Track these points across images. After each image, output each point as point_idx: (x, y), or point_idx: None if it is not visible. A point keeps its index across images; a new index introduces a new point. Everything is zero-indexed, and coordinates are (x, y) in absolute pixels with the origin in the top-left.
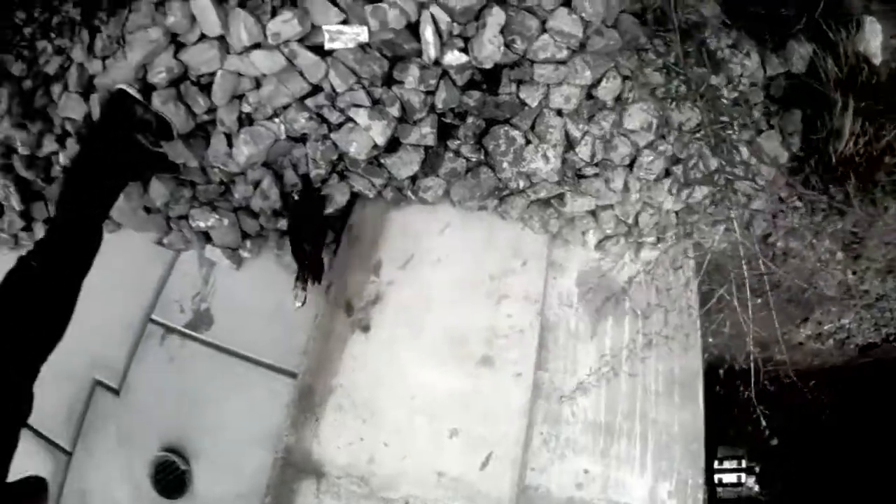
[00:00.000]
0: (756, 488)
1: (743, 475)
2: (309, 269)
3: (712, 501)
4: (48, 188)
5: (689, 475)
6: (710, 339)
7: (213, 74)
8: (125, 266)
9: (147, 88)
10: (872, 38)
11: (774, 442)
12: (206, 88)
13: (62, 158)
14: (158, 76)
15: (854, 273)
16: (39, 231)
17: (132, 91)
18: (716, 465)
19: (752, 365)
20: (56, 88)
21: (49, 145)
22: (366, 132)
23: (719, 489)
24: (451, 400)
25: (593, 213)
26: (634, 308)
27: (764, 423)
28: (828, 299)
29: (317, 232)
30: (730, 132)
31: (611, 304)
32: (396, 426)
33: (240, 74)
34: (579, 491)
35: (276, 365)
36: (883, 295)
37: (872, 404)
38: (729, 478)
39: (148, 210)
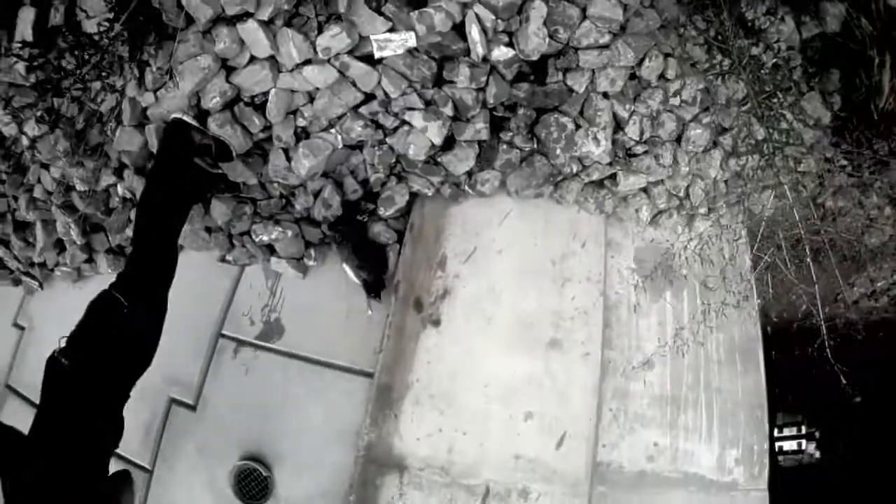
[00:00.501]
0: (817, 454)
1: (804, 442)
2: (370, 290)
3: (773, 470)
4: (108, 220)
5: (754, 441)
6: (767, 304)
7: (266, 94)
8: (191, 284)
9: (202, 114)
10: None
11: (858, 399)
12: (260, 108)
13: (120, 190)
14: (212, 101)
15: None
16: (102, 263)
17: (188, 118)
18: (775, 433)
19: (821, 322)
20: (110, 125)
21: (106, 179)
22: (422, 133)
23: (780, 457)
24: (523, 384)
25: (645, 190)
26: (692, 279)
27: (844, 380)
28: (879, 256)
29: (368, 256)
30: (775, 101)
31: (669, 278)
32: (473, 414)
33: (293, 91)
34: (650, 463)
35: (350, 366)
36: None
37: None
38: (789, 445)
39: (209, 230)
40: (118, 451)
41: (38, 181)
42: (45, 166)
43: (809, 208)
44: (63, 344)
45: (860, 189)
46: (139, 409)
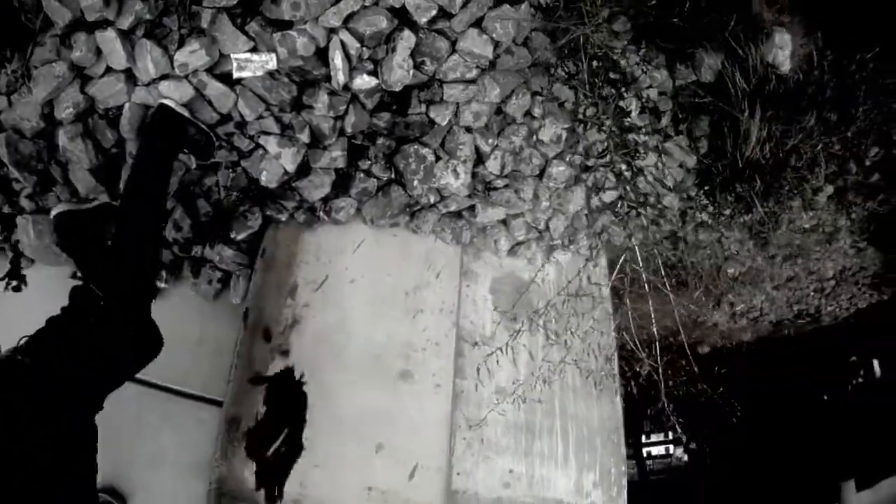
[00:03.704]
0: (685, 457)
1: (671, 446)
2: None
3: (643, 476)
4: None
5: (611, 464)
6: (624, 330)
7: (120, 108)
8: (44, 303)
9: (53, 123)
10: (782, 49)
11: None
12: (114, 122)
13: None
14: (65, 112)
15: (764, 259)
16: None
17: (175, 106)
18: (643, 439)
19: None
20: None
21: None
22: (276, 160)
23: (649, 462)
24: (374, 416)
25: (504, 222)
26: (548, 308)
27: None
28: (739, 283)
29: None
30: (636, 155)
31: (525, 307)
32: (324, 448)
33: (147, 106)
34: (506, 490)
35: (202, 395)
36: (793, 276)
37: (787, 379)
38: (657, 450)
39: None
40: None
41: None
42: None
43: (670, 241)
44: (23, 342)
45: (722, 225)
46: None
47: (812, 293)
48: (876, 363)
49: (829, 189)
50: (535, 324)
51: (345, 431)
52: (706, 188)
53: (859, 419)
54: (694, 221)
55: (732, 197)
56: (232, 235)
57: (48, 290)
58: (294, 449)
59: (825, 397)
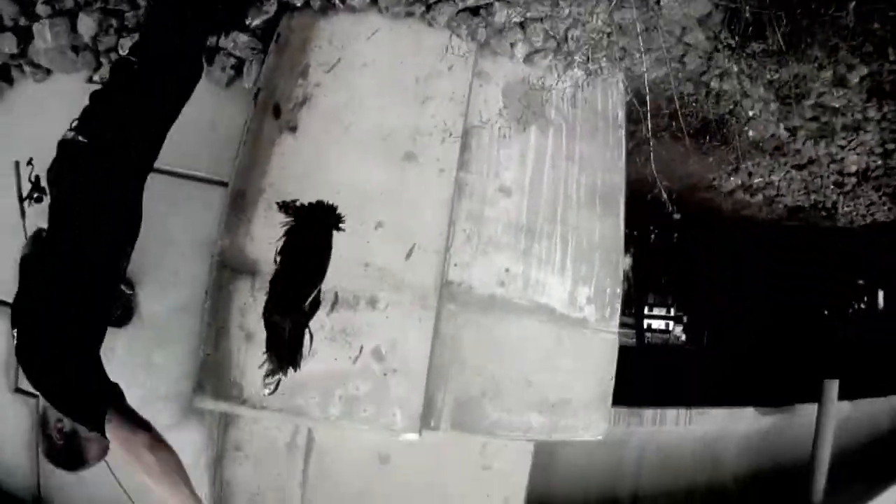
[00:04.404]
0: (683, 337)
1: (671, 323)
2: None
3: (640, 344)
4: None
5: (607, 284)
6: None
7: None
8: (59, 110)
9: None
10: None
11: (677, 216)
12: None
13: None
14: None
15: (787, 129)
16: None
17: None
18: (645, 310)
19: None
20: None
21: None
22: None
23: (648, 334)
24: (376, 194)
25: (522, 26)
26: (560, 121)
27: (665, 196)
28: (759, 150)
29: None
30: None
31: (536, 115)
32: None
33: None
34: (501, 288)
35: (210, 177)
36: (815, 159)
37: (797, 267)
38: (658, 324)
39: (76, 49)
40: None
41: None
42: None
43: (692, 83)
44: (75, 124)
45: (748, 77)
46: (12, 247)
47: (831, 186)
48: (881, 294)
49: (863, 70)
50: (545, 130)
51: (346, 207)
52: (732, 27)
53: (853, 342)
54: (719, 68)
55: (760, 46)
56: (247, 22)
57: (67, 97)
58: None
59: (826, 312)
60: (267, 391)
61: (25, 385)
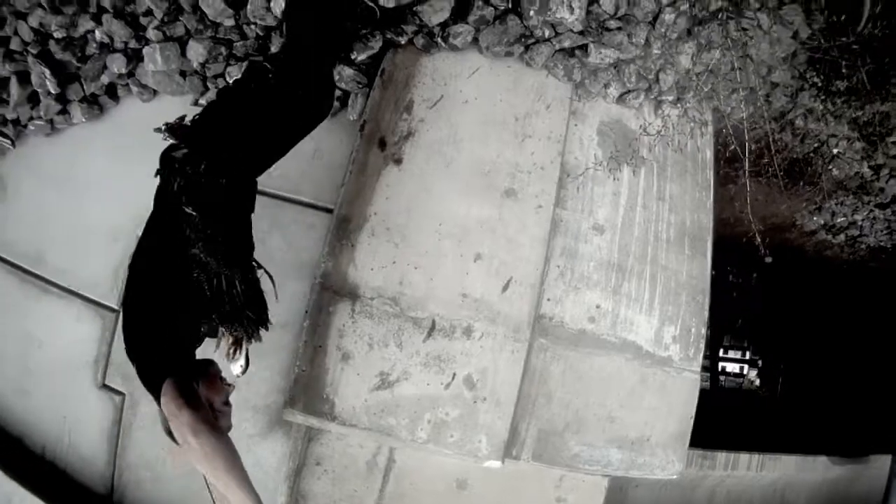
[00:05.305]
0: (757, 382)
1: (746, 367)
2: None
3: (714, 387)
4: (83, 68)
5: (693, 324)
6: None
7: None
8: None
9: None
10: None
11: (769, 259)
12: None
13: (98, 35)
14: None
15: (871, 167)
16: (76, 112)
17: None
18: (721, 353)
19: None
20: None
21: (84, 24)
22: None
23: (721, 377)
24: (476, 227)
25: (615, 67)
26: (652, 161)
27: (759, 240)
28: (843, 189)
29: None
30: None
31: (629, 155)
32: (425, 250)
33: None
34: (591, 324)
35: (314, 202)
36: None
37: (876, 313)
38: (732, 367)
39: (183, 74)
40: (87, 294)
41: (15, 33)
42: (23, 16)
43: (778, 123)
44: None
45: (832, 115)
46: (108, 251)
47: None
48: None
49: None
50: (637, 169)
51: (446, 237)
52: (817, 66)
53: None
54: (804, 106)
55: (844, 84)
56: (353, 56)
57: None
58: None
59: None
60: (238, 371)
61: (113, 382)
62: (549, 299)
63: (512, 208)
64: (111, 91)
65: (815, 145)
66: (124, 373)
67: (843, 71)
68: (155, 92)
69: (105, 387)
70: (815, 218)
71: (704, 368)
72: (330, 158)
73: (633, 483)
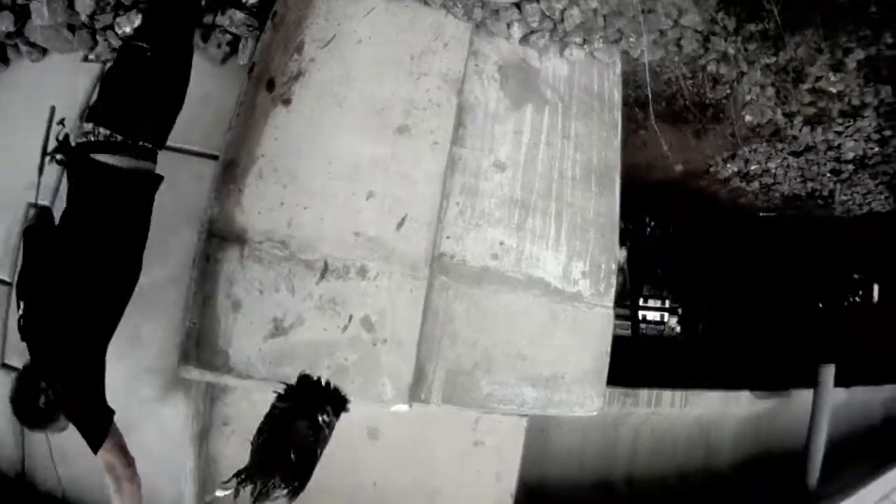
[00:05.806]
0: (678, 329)
1: (666, 314)
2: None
3: (636, 335)
4: None
5: (602, 260)
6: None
7: None
8: (51, 88)
9: None
10: None
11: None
12: None
13: None
14: None
15: (784, 115)
16: None
17: None
18: (640, 302)
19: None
20: None
21: None
22: None
23: (642, 325)
24: (368, 165)
25: (518, 6)
26: (556, 100)
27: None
28: (756, 136)
29: None
30: None
31: (531, 93)
32: (315, 190)
33: None
34: (494, 261)
35: (201, 150)
36: (812, 146)
37: (793, 258)
38: (653, 315)
39: (72, 28)
40: None
41: None
42: None
43: (689, 68)
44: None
45: (745, 61)
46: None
47: (828, 174)
48: (876, 288)
49: (860, 54)
50: (541, 108)
51: (337, 176)
52: (729, 8)
53: (848, 333)
54: (716, 52)
55: (757, 27)
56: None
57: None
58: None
59: (820, 305)
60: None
61: (12, 360)
62: (448, 237)
63: (406, 144)
64: (1, 53)
65: (728, 91)
66: (23, 350)
67: (757, 13)
68: (44, 51)
69: (5, 366)
70: (728, 165)
71: (625, 318)
72: (219, 104)
73: (553, 423)
